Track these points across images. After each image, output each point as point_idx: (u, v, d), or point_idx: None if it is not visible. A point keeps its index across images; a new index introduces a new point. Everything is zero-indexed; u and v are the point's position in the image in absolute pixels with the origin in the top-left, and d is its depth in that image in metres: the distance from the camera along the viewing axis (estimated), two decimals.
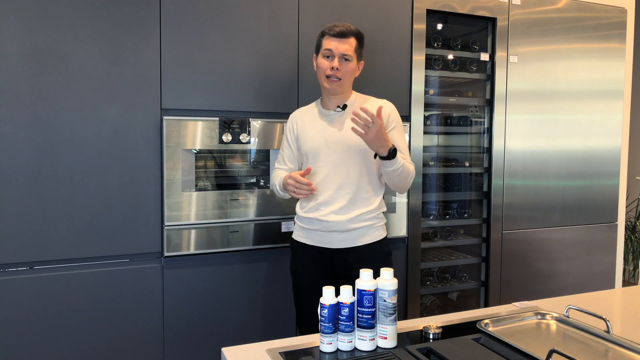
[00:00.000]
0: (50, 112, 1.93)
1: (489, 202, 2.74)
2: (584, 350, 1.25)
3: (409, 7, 2.48)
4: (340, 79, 1.87)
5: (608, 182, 3.02)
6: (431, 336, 1.30)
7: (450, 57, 2.67)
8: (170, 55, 2.08)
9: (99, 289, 2.03)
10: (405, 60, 2.49)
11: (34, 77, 1.90)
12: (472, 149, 2.86)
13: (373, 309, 1.25)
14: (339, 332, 1.25)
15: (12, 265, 1.92)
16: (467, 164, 2.82)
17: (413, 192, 2.53)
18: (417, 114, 2.53)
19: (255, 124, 2.21)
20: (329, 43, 1.86)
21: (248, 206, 2.22)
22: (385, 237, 1.97)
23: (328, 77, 1.87)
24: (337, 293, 1.81)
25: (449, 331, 1.34)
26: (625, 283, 4.48)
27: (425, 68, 2.54)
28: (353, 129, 1.72)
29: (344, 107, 1.92)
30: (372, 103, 1.94)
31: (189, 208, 2.13)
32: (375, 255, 1.90)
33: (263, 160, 2.28)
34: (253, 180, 2.28)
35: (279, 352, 1.22)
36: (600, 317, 1.33)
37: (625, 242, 4.44)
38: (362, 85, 2.27)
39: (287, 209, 2.28)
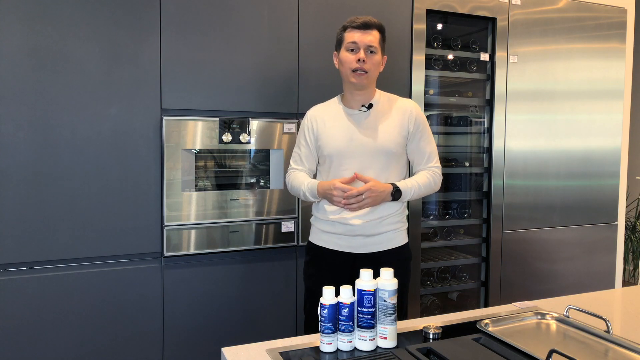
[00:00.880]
0: (50, 112, 1.93)
1: (489, 202, 2.74)
2: (584, 350, 1.25)
3: (409, 7, 2.48)
4: (367, 72, 1.77)
5: (608, 182, 3.02)
6: (431, 336, 1.31)
7: (450, 57, 2.67)
8: (170, 55, 2.08)
9: (99, 289, 2.03)
10: (405, 60, 2.49)
11: (34, 77, 1.90)
12: (472, 149, 2.86)
13: (373, 309, 1.25)
14: (339, 332, 1.25)
15: (12, 265, 1.92)
16: (467, 164, 2.82)
17: None
18: None
19: (255, 124, 2.21)
20: (352, 35, 1.77)
21: (248, 206, 2.22)
22: (407, 242, 1.92)
23: (354, 70, 1.77)
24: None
25: (449, 331, 1.34)
26: (625, 283, 4.48)
27: (425, 68, 2.54)
28: (350, 209, 1.72)
29: (370, 106, 1.82)
30: (399, 103, 1.87)
31: (189, 208, 2.13)
32: (398, 262, 1.82)
33: (263, 160, 2.28)
34: (253, 180, 2.27)
35: (279, 352, 1.22)
36: (600, 317, 1.33)
37: (625, 242, 4.44)
38: None
39: (287, 209, 2.29)
